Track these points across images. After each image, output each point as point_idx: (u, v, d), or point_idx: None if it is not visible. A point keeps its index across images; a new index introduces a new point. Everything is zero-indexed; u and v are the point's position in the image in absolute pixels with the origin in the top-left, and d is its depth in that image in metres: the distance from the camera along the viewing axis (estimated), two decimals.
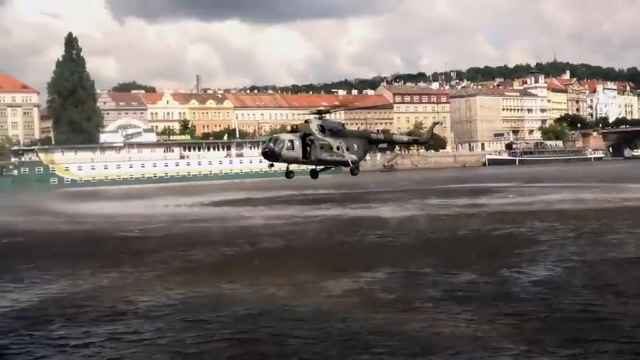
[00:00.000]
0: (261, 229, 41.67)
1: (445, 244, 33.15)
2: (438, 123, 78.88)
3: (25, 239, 40.03)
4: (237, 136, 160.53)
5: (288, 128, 41.64)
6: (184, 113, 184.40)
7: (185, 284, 23.35)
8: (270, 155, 35.62)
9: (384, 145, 47.89)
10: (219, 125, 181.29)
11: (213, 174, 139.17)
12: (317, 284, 22.82)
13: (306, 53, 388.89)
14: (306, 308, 19.22)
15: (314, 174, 40.01)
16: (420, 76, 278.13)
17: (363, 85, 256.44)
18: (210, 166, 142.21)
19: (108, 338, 16.91)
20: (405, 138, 56.91)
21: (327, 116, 39.13)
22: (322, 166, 38.90)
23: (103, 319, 18.69)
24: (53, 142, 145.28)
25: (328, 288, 22.15)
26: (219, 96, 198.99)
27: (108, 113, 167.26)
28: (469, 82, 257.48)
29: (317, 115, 38.41)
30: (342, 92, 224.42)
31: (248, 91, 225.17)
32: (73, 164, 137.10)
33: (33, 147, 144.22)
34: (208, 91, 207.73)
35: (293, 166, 38.66)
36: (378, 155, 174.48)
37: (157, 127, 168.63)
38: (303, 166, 40.53)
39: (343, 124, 42.00)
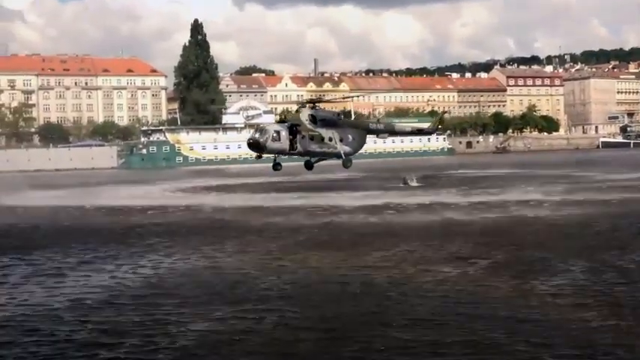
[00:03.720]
0: None
1: None
2: (446, 112, 73.31)
3: None
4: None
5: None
6: (302, 96, 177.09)
7: None
8: (255, 146, 32.11)
9: (385, 135, 40.62)
10: (335, 107, 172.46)
11: None
12: None
13: (420, 37, 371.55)
14: None
15: (308, 165, 35.99)
16: (534, 60, 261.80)
17: (476, 68, 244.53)
18: None
19: None
20: (408, 128, 50.03)
21: (322, 105, 35.05)
22: (316, 157, 34.89)
23: None
24: (179, 123, 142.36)
25: None
26: (336, 79, 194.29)
27: (230, 95, 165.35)
28: (583, 65, 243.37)
29: (309, 105, 34.56)
30: (455, 75, 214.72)
31: (364, 74, 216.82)
32: (197, 144, 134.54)
33: (160, 127, 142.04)
34: (325, 75, 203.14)
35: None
36: (491, 137, 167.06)
37: (275, 108, 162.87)
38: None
39: (339, 114, 38.82)
